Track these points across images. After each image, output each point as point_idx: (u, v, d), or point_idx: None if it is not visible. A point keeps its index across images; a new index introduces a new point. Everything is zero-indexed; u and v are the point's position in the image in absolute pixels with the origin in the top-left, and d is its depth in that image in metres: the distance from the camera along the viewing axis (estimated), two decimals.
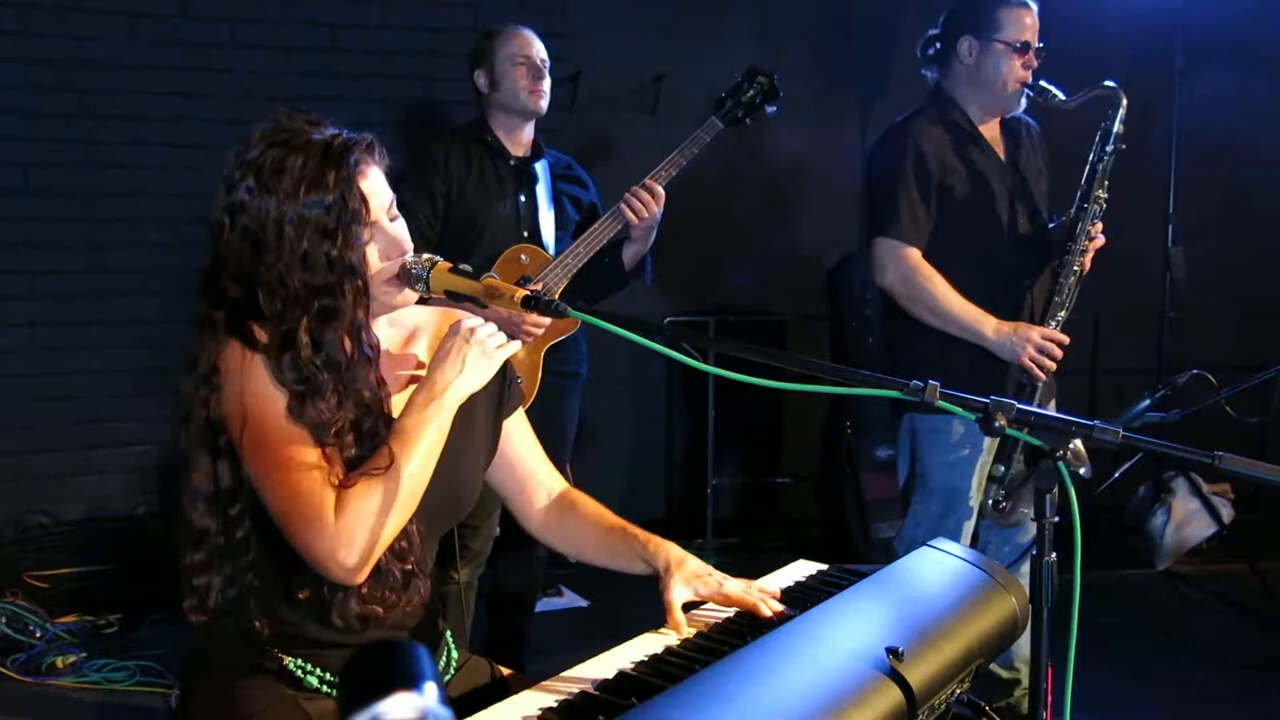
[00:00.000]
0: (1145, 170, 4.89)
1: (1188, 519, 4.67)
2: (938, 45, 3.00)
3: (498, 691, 1.74)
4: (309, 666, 1.60)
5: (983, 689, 1.99)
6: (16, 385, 4.19)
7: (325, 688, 1.60)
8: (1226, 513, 4.66)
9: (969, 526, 2.92)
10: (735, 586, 1.70)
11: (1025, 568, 2.81)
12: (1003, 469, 2.81)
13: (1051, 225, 2.99)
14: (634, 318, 1.54)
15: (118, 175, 4.26)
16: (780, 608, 1.67)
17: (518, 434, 1.85)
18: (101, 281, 4.27)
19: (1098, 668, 3.49)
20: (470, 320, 1.60)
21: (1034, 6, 2.90)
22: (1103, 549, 4.64)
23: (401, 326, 1.74)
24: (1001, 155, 2.98)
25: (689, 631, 1.62)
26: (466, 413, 1.62)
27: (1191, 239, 5.17)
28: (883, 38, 4.89)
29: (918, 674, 1.37)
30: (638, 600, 1.75)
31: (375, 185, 1.58)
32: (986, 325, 2.82)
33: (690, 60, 4.82)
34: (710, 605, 1.72)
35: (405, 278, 1.60)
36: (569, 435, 3.27)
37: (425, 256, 1.60)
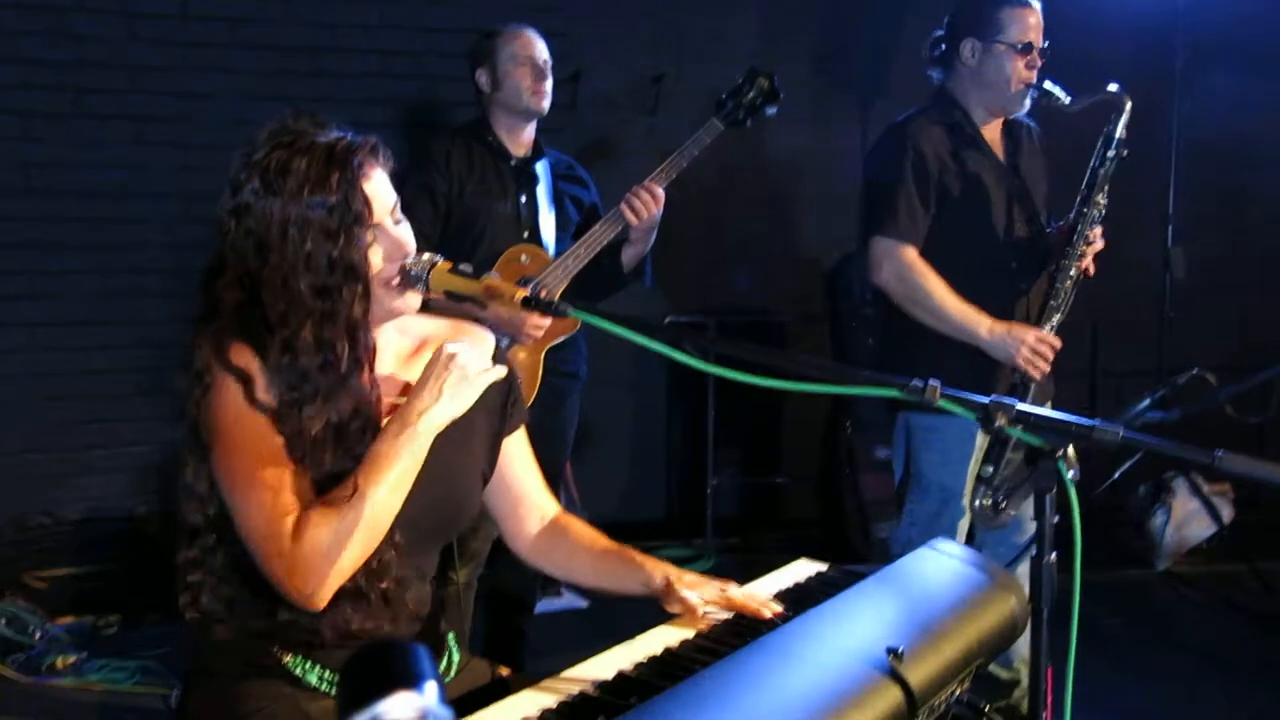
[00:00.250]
0: (1145, 171, 4.87)
1: (1188, 519, 4.66)
2: (942, 46, 2.99)
3: (497, 692, 1.74)
4: (308, 664, 1.60)
5: (983, 689, 1.99)
6: (16, 385, 4.19)
7: (325, 686, 1.60)
8: (1226, 513, 4.66)
9: (963, 525, 2.92)
10: (736, 590, 1.71)
11: (1024, 568, 2.81)
12: (991, 469, 2.79)
13: (1051, 229, 2.98)
14: (634, 318, 1.53)
15: (118, 175, 4.26)
16: (780, 609, 1.67)
17: (517, 455, 1.84)
18: (101, 281, 4.28)
19: (1098, 668, 3.49)
20: (452, 346, 1.57)
21: (1037, 6, 2.89)
22: (1103, 549, 4.64)
23: (411, 335, 1.73)
24: (1002, 157, 2.98)
25: (679, 632, 1.63)
26: (465, 427, 1.61)
27: (1191, 239, 5.17)
28: (883, 38, 4.90)
29: (918, 674, 1.37)
30: (636, 601, 1.75)
31: (379, 187, 1.58)
32: (981, 325, 2.82)
33: (690, 60, 4.82)
34: (710, 606, 1.72)
35: (405, 278, 1.59)
36: (569, 436, 3.27)
37: (425, 257, 1.60)
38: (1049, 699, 1.42)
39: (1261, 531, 4.71)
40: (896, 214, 2.85)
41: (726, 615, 1.70)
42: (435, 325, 1.77)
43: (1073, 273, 2.84)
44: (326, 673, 1.60)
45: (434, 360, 1.57)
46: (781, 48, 4.81)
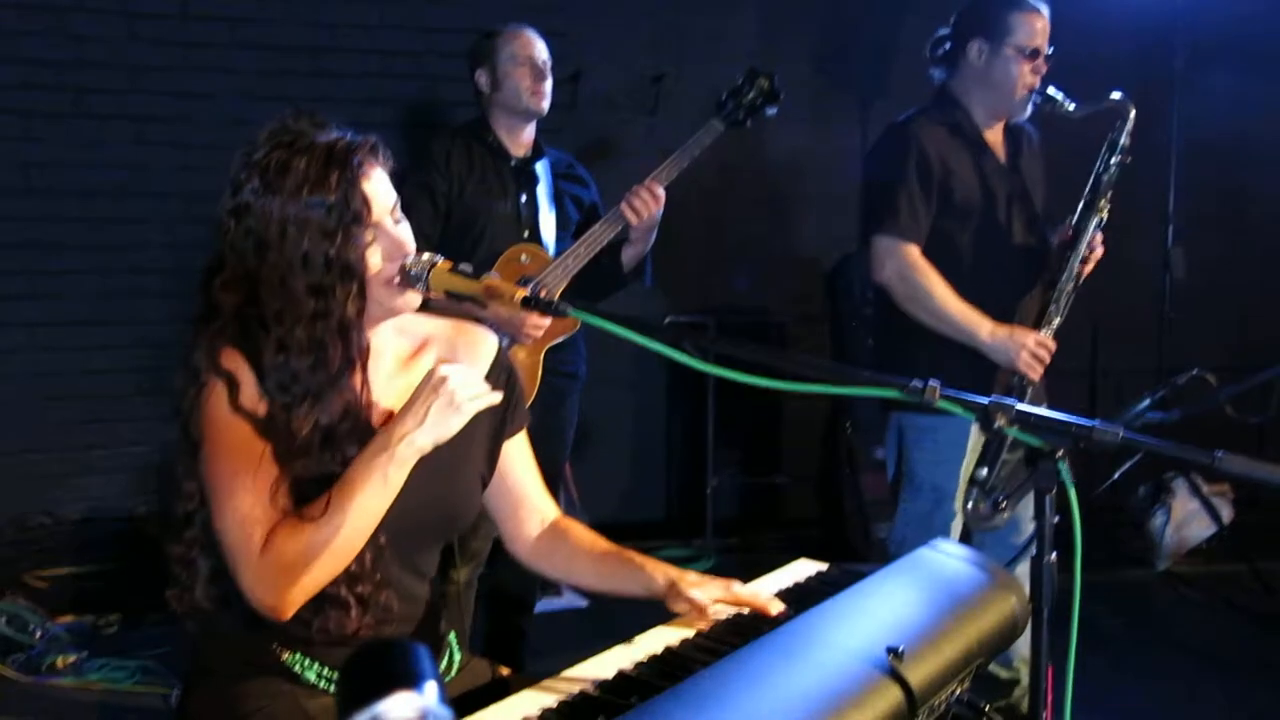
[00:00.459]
0: (1145, 171, 4.86)
1: (1188, 519, 4.66)
2: (947, 46, 2.99)
3: (498, 691, 1.74)
4: (307, 662, 1.60)
5: (983, 689, 1.99)
6: (16, 385, 4.19)
7: (324, 683, 1.60)
8: (1226, 513, 4.66)
9: (957, 525, 2.92)
10: (740, 586, 1.71)
11: (1024, 568, 2.81)
12: (985, 472, 2.78)
13: (1052, 234, 2.98)
14: (634, 318, 1.53)
15: (118, 175, 4.26)
16: (784, 606, 1.67)
17: (517, 457, 1.83)
18: (101, 281, 4.28)
19: (1098, 668, 3.49)
20: (445, 368, 1.53)
21: (1046, 13, 2.89)
22: (1103, 549, 4.64)
23: (411, 336, 1.73)
24: (1003, 160, 2.98)
25: (679, 632, 1.63)
26: (465, 429, 1.59)
27: (1191, 239, 5.17)
28: (883, 38, 4.90)
29: (918, 674, 1.37)
30: (636, 601, 1.75)
31: (378, 186, 1.58)
32: (982, 328, 2.82)
33: (690, 60, 4.82)
34: (717, 605, 1.72)
35: (405, 278, 1.59)
36: (568, 436, 3.27)
37: (425, 256, 1.59)
38: (1049, 699, 1.42)
39: (1261, 531, 4.71)
40: (899, 212, 2.84)
41: (727, 614, 1.70)
42: (437, 325, 1.76)
43: (1073, 278, 2.84)
44: (326, 670, 1.60)
45: (424, 382, 1.53)
46: (781, 48, 4.81)
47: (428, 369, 1.68)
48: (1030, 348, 2.79)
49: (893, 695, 1.33)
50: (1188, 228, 5.15)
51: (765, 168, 5.02)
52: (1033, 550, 1.41)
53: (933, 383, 1.41)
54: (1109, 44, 4.66)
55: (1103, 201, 2.85)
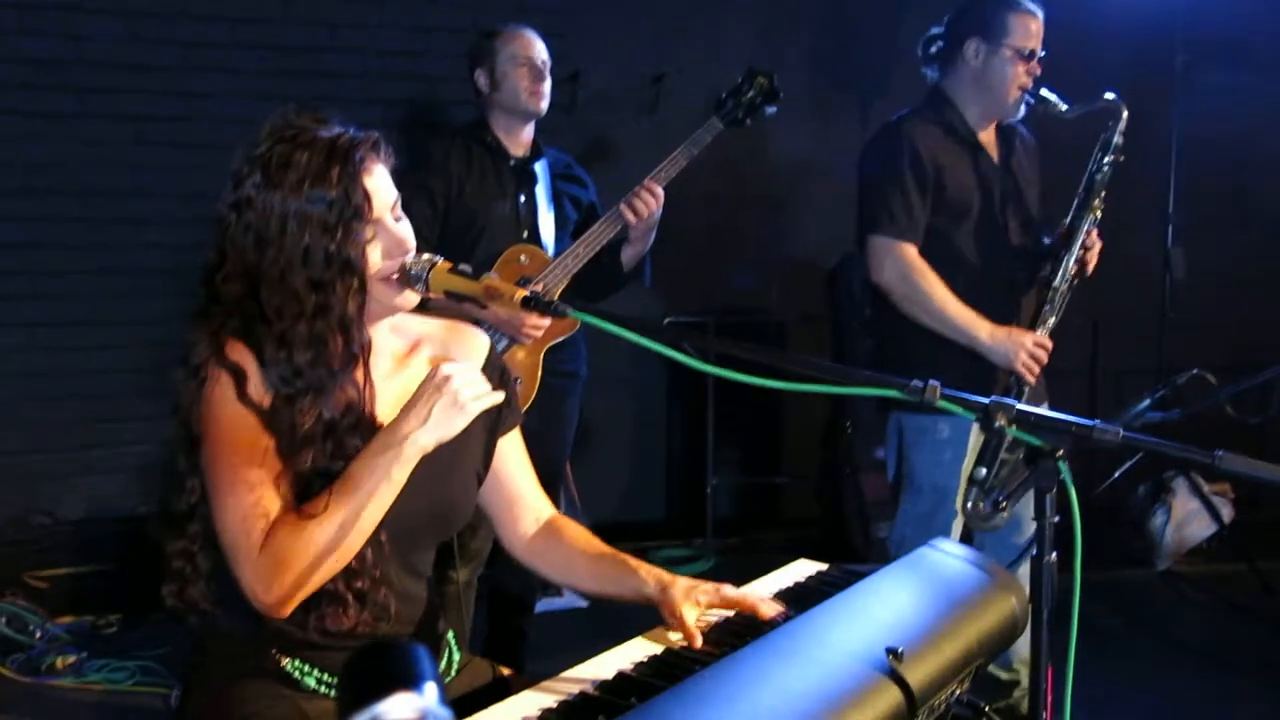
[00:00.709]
0: (1145, 170, 4.88)
1: (1188, 519, 4.66)
2: (940, 44, 2.99)
3: (498, 692, 1.74)
4: (306, 668, 1.60)
5: (983, 689, 1.99)
6: (16, 385, 4.19)
7: (324, 688, 1.60)
8: (1226, 512, 4.66)
9: (957, 525, 2.92)
10: (730, 589, 1.70)
11: (1024, 568, 2.81)
12: (984, 471, 2.78)
13: (1046, 241, 2.98)
14: (634, 318, 1.53)
15: (118, 175, 4.26)
16: (780, 608, 1.66)
17: (511, 454, 1.82)
18: (102, 281, 4.28)
19: (1098, 668, 3.49)
20: (449, 367, 1.53)
21: (1040, 15, 2.90)
22: (1103, 549, 4.64)
23: (405, 335, 1.73)
24: (996, 160, 2.98)
25: (679, 633, 1.63)
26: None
27: (1191, 239, 5.17)
28: (883, 37, 4.89)
29: (918, 674, 1.37)
30: (636, 602, 1.75)
31: (379, 183, 1.58)
32: (981, 329, 2.82)
33: (690, 60, 4.82)
34: (707, 613, 1.71)
35: (404, 277, 1.59)
36: (568, 436, 3.27)
37: (425, 256, 1.60)
38: (1049, 699, 1.42)
39: (1261, 531, 4.72)
40: (894, 212, 2.84)
41: (727, 615, 1.70)
42: (430, 325, 1.76)
43: (1068, 277, 2.84)
44: (325, 675, 1.60)
45: (427, 381, 1.53)
46: (781, 47, 4.81)
47: (422, 367, 1.69)
48: (1029, 348, 2.80)
49: (892, 695, 1.33)
50: (1188, 228, 5.15)
51: (766, 168, 5.02)
52: (1033, 550, 1.41)
53: (933, 383, 1.42)
54: (1109, 44, 4.65)
55: (1096, 201, 2.86)
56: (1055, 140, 3.13)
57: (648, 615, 1.68)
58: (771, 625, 1.59)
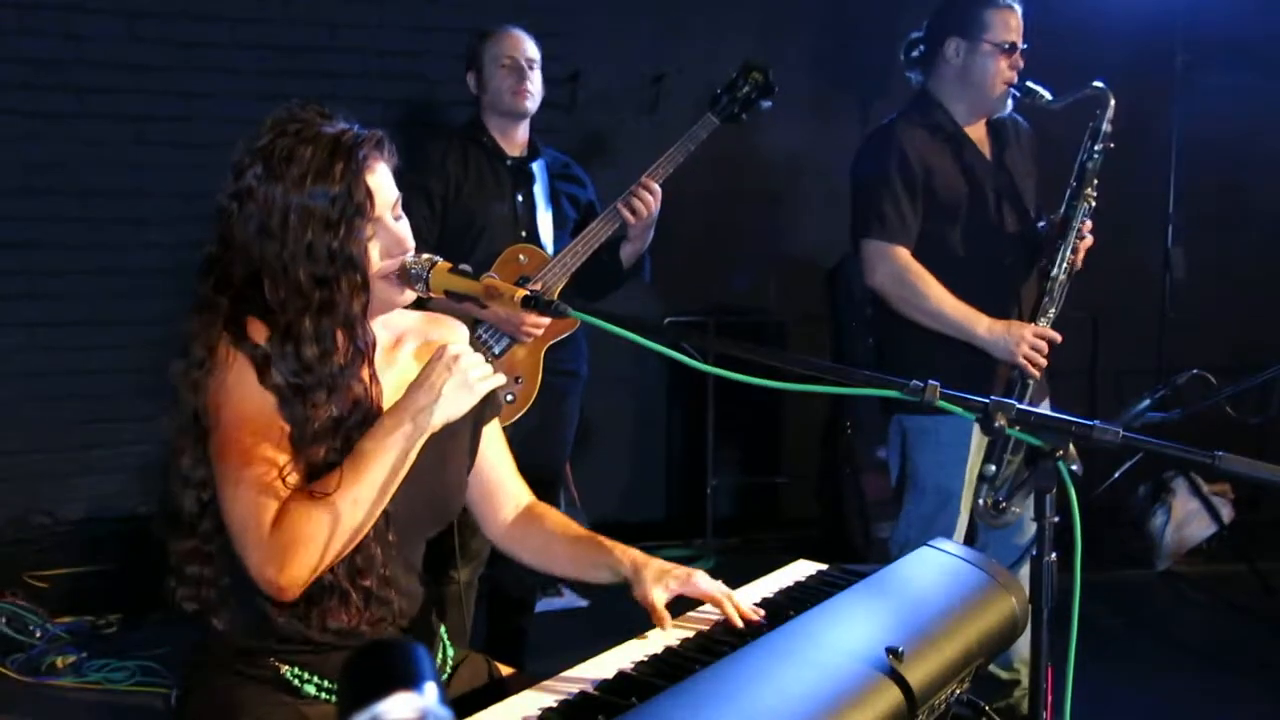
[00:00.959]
0: (1145, 170, 4.89)
1: (1188, 519, 4.66)
2: (922, 48, 3.00)
3: (497, 691, 1.74)
4: (305, 675, 1.59)
5: (983, 689, 1.99)
6: (16, 385, 4.19)
7: (324, 694, 1.59)
8: (1226, 513, 4.66)
9: (961, 526, 2.92)
10: (704, 579, 1.71)
11: (1025, 568, 2.81)
12: (993, 468, 2.80)
13: (1041, 225, 2.99)
14: (634, 318, 1.54)
15: (118, 175, 4.26)
16: (747, 609, 1.67)
17: (491, 443, 1.83)
18: (102, 281, 4.27)
19: (1098, 668, 3.49)
20: (455, 347, 1.56)
21: (1019, 8, 2.91)
22: (1103, 549, 4.64)
23: (391, 329, 1.73)
24: (988, 155, 2.99)
25: (679, 632, 1.62)
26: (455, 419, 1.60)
27: (1191, 239, 5.17)
28: (882, 37, 4.88)
29: (918, 674, 1.37)
30: (636, 601, 1.75)
31: (382, 181, 1.59)
32: (979, 324, 2.82)
33: (690, 60, 4.82)
34: (709, 606, 1.72)
35: (405, 277, 1.60)
36: (569, 435, 3.27)
37: (425, 256, 1.60)
38: (1049, 699, 1.42)
39: (1261, 531, 4.72)
40: (885, 216, 2.85)
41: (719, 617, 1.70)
42: (410, 318, 1.77)
43: (1066, 267, 2.85)
44: (325, 681, 1.59)
45: (435, 359, 1.55)
46: (782, 47, 4.80)
47: (409, 359, 1.70)
48: (1029, 340, 2.80)
49: (892, 695, 1.33)
50: (1188, 228, 5.15)
51: (765, 167, 5.02)
52: (1034, 550, 1.41)
53: (933, 383, 1.42)
54: (1109, 44, 4.65)
55: (1089, 190, 2.87)
56: (1047, 133, 3.13)
57: (646, 616, 1.68)
58: (772, 625, 1.59)
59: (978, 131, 2.99)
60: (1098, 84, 2.84)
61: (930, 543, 1.82)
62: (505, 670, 1.85)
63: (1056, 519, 1.40)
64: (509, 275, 2.91)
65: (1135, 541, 4.74)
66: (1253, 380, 3.72)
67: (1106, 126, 2.86)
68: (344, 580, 1.55)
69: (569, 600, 4.22)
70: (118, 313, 4.28)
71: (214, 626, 1.60)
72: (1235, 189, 5.33)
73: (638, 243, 3.04)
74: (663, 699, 1.25)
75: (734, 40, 4.87)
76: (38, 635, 3.60)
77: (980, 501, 2.83)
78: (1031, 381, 2.82)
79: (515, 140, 3.14)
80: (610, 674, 1.46)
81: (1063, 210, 2.88)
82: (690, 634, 1.63)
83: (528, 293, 1.56)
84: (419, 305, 1.70)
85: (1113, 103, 2.84)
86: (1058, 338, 2.84)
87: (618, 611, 1.77)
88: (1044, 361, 2.82)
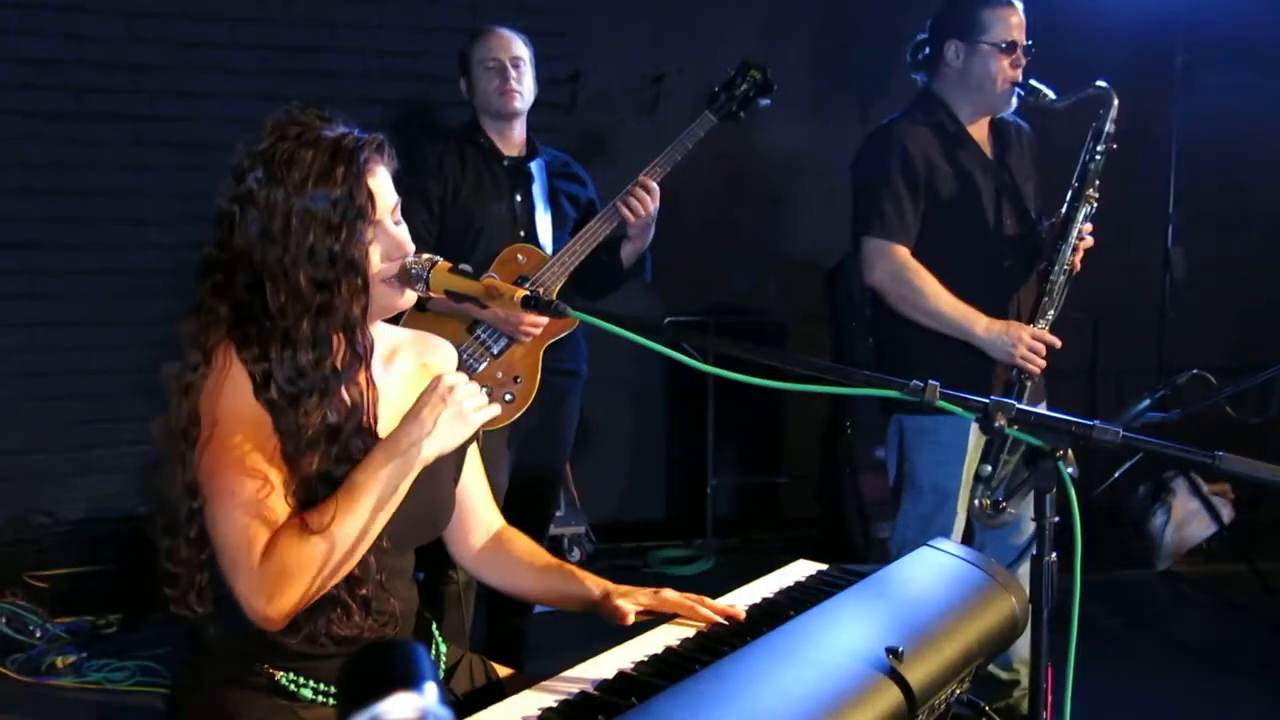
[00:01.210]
0: (1145, 170, 4.88)
1: (1188, 519, 4.66)
2: (926, 50, 3.01)
3: (496, 691, 1.74)
4: (301, 680, 1.59)
5: (983, 689, 1.99)
6: (16, 385, 4.19)
7: (321, 698, 1.59)
8: (1226, 513, 4.66)
9: (959, 526, 2.92)
10: (670, 592, 1.75)
11: (1025, 568, 2.81)
12: (990, 469, 2.79)
13: (1041, 226, 2.99)
14: (633, 317, 1.54)
15: (118, 175, 4.26)
16: (721, 605, 1.69)
17: (469, 468, 1.83)
18: (101, 281, 4.27)
19: (1098, 668, 3.49)
20: (452, 377, 1.55)
21: (1019, 6, 2.91)
22: (1103, 549, 4.64)
23: (385, 339, 1.72)
24: (990, 155, 2.98)
25: (679, 632, 1.63)
26: None
27: (1191, 239, 5.17)
28: (883, 37, 4.88)
29: (918, 674, 1.37)
30: (605, 619, 1.77)
31: (382, 184, 1.59)
32: (977, 324, 2.82)
33: (690, 60, 4.82)
34: (642, 607, 1.74)
35: (405, 278, 1.60)
36: (569, 435, 3.26)
37: (425, 256, 1.60)
38: (1049, 699, 1.42)
39: (1261, 531, 4.72)
40: (886, 214, 2.85)
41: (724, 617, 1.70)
42: (401, 334, 1.78)
43: (1065, 268, 2.84)
44: (322, 685, 1.59)
45: (430, 390, 1.53)
46: (782, 47, 4.80)
47: (408, 370, 1.71)
48: (1027, 341, 2.79)
49: (892, 695, 1.33)
50: (1188, 228, 5.15)
51: (765, 167, 5.01)
52: (1033, 550, 1.41)
53: (932, 383, 1.42)
54: (1109, 44, 4.64)
55: (1091, 190, 2.86)
56: (1049, 133, 3.13)
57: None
58: (772, 625, 1.59)
59: (980, 131, 2.99)
60: (1101, 84, 2.84)
61: (930, 543, 1.82)
62: (503, 671, 1.85)
63: (1056, 519, 1.40)
64: (507, 275, 2.91)
65: (1135, 541, 4.74)
66: (1253, 380, 3.72)
67: (1110, 127, 2.85)
68: (343, 591, 1.54)
69: None
70: (118, 313, 4.28)
71: (206, 633, 1.59)
72: (1235, 189, 5.32)
73: (638, 241, 3.04)
74: (663, 699, 1.25)
75: (734, 40, 4.86)
76: (38, 635, 3.59)
77: (976, 502, 2.82)
78: (1029, 383, 2.82)
79: (512, 140, 3.14)
80: (610, 674, 1.46)
81: (1064, 211, 2.88)
82: (690, 634, 1.63)
83: (528, 293, 1.56)
84: (419, 305, 1.70)
85: (1116, 103, 2.84)
86: (1056, 342, 2.84)
87: None
88: (1041, 363, 2.82)
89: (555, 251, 3.02)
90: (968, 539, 2.98)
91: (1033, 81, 2.88)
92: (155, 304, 4.21)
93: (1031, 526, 1.45)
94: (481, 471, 1.87)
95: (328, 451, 1.54)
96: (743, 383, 1.47)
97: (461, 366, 1.82)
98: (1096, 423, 1.36)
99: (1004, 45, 2.87)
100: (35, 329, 4.22)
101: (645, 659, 1.52)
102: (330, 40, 4.45)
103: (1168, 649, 3.93)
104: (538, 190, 3.14)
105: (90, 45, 4.18)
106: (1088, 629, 1.40)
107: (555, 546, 4.38)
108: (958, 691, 1.52)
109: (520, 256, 3.01)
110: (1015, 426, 1.39)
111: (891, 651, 1.35)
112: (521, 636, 3.31)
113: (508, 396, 2.91)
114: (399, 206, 1.62)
